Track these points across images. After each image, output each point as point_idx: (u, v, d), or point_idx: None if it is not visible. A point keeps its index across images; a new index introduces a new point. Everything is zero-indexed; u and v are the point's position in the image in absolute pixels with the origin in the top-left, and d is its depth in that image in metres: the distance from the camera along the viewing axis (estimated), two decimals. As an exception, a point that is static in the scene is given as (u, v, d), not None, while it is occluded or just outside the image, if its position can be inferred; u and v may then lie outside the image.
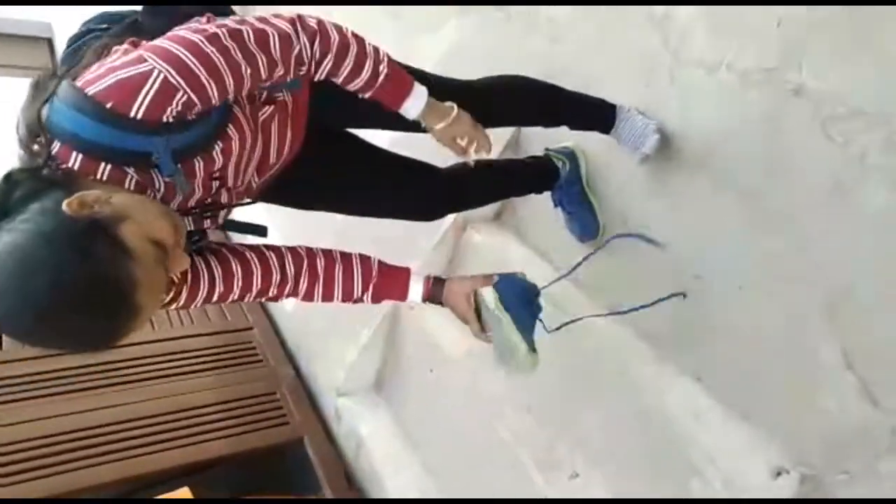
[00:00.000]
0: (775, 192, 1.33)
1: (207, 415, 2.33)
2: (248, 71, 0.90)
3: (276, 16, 0.96)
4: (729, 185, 1.42)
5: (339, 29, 1.00)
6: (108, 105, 0.80)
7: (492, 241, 2.01)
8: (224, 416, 2.34)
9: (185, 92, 0.83)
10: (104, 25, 1.07)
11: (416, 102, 1.10)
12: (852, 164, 1.20)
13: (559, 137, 1.73)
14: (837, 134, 1.22)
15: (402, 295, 1.21)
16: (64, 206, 0.75)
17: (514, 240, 1.98)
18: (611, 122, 1.57)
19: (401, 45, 2.74)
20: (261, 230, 1.14)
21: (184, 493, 2.04)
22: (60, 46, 4.94)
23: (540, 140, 1.89)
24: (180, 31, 0.88)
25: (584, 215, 1.73)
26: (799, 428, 1.31)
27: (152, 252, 0.81)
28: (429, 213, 1.48)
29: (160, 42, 0.86)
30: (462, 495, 1.87)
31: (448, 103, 1.16)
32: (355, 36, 1.02)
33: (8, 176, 0.81)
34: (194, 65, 0.84)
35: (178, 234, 0.86)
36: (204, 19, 0.95)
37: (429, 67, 1.28)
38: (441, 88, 1.18)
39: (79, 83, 0.82)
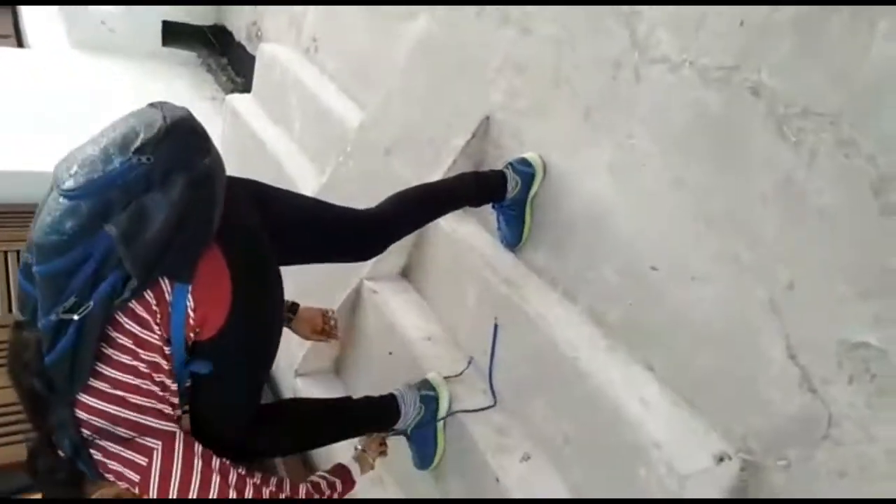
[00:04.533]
0: (728, 187, 1.37)
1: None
2: None
3: None
4: (685, 179, 1.46)
5: None
6: None
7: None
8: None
9: None
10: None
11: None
12: (803, 162, 1.25)
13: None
14: (791, 133, 1.27)
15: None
16: None
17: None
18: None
19: (374, 34, 2.75)
20: None
21: None
22: (26, 13, 4.78)
23: (510, 131, 1.92)
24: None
25: (516, 227, 1.82)
26: (742, 416, 1.36)
27: None
28: (363, 254, 1.64)
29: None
30: (417, 485, 1.88)
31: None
32: None
33: None
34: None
35: None
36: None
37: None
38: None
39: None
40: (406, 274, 2.22)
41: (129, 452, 1.07)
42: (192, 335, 1.14)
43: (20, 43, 4.68)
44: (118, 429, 1.07)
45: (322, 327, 1.72)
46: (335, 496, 1.44)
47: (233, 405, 1.28)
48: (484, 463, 1.63)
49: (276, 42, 3.61)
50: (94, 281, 1.00)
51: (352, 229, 1.50)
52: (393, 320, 2.03)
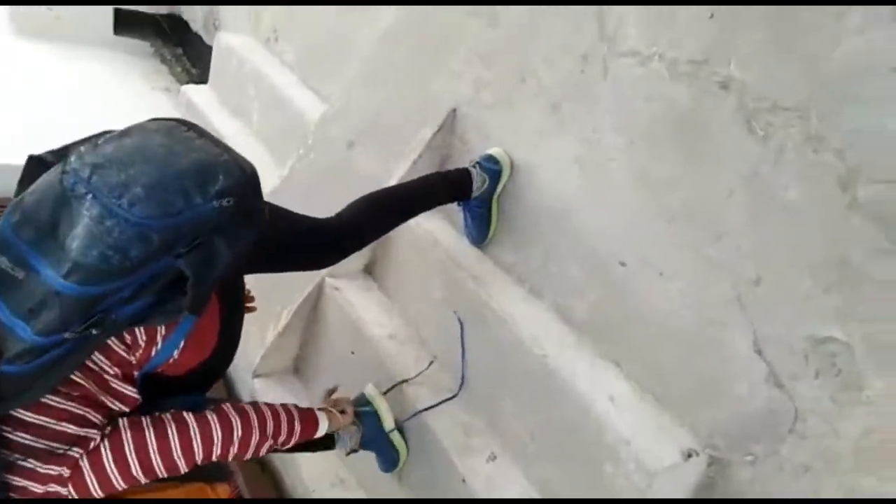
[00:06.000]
0: (695, 181, 1.37)
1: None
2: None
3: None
4: (652, 173, 1.45)
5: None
6: None
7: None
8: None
9: None
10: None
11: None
12: (771, 157, 1.24)
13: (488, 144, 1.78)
14: (760, 128, 1.26)
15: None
16: None
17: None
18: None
19: (337, 23, 2.68)
20: None
21: None
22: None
23: (475, 124, 1.88)
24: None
25: (483, 224, 1.80)
26: (709, 411, 1.36)
27: None
28: (323, 264, 1.64)
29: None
30: (381, 486, 1.83)
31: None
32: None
33: None
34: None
35: None
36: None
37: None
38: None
39: None
40: (369, 271, 2.17)
41: (49, 468, 0.97)
42: (159, 370, 1.10)
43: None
44: (40, 442, 0.96)
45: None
46: (296, 418, 1.32)
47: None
48: (450, 464, 1.59)
49: (233, 31, 3.50)
50: (126, 301, 0.95)
51: (313, 239, 1.42)
52: (355, 318, 1.97)
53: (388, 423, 1.66)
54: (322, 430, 1.40)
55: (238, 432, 1.14)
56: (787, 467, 1.24)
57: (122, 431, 1.03)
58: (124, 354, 1.04)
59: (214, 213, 0.99)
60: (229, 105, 3.17)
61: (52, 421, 0.96)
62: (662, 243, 1.43)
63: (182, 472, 1.09)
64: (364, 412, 1.64)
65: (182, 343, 1.08)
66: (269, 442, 1.23)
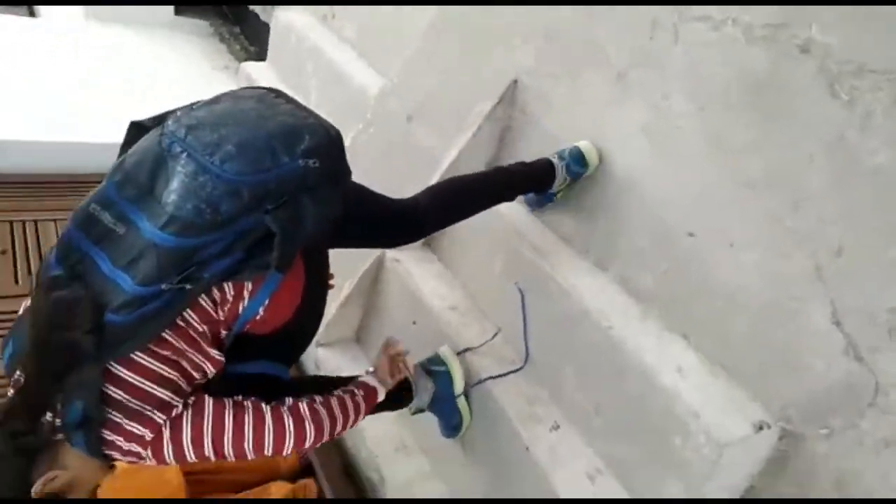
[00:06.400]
0: (774, 148, 1.32)
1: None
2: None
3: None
4: (725, 139, 1.41)
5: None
6: None
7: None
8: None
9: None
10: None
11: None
12: (857, 121, 1.19)
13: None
14: (844, 91, 1.21)
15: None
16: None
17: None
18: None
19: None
20: None
21: None
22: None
23: (537, 95, 1.86)
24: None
25: (549, 197, 1.79)
26: (782, 384, 1.33)
27: None
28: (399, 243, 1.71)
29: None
30: (444, 452, 1.87)
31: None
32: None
33: None
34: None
35: None
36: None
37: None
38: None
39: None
40: (428, 243, 2.19)
41: (134, 425, 1.01)
42: (246, 329, 1.14)
43: (32, 13, 4.62)
44: (132, 402, 1.01)
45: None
46: (362, 403, 1.34)
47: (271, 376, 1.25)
48: (514, 432, 1.61)
49: (291, 9, 3.54)
50: (218, 256, 1.00)
51: (396, 219, 1.45)
52: (416, 290, 2.00)
53: (459, 385, 1.68)
54: (381, 397, 1.41)
55: (310, 437, 1.17)
56: (868, 441, 1.21)
57: (205, 406, 1.08)
58: (212, 312, 1.08)
59: (300, 171, 1.04)
60: (288, 82, 3.22)
61: (143, 380, 1.01)
62: (734, 212, 1.40)
63: (249, 459, 1.13)
64: (437, 372, 1.67)
65: (267, 301, 1.11)
66: (338, 434, 1.27)
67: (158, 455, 1.05)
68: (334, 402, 1.26)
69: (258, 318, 1.13)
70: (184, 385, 1.06)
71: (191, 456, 1.07)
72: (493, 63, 1.97)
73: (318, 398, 1.23)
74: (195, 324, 1.05)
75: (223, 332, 1.12)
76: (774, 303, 1.33)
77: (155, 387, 1.02)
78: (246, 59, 4.12)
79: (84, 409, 0.98)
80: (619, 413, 1.52)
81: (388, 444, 2.00)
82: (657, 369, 1.43)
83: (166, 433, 1.04)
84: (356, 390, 1.35)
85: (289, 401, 1.19)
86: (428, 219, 1.49)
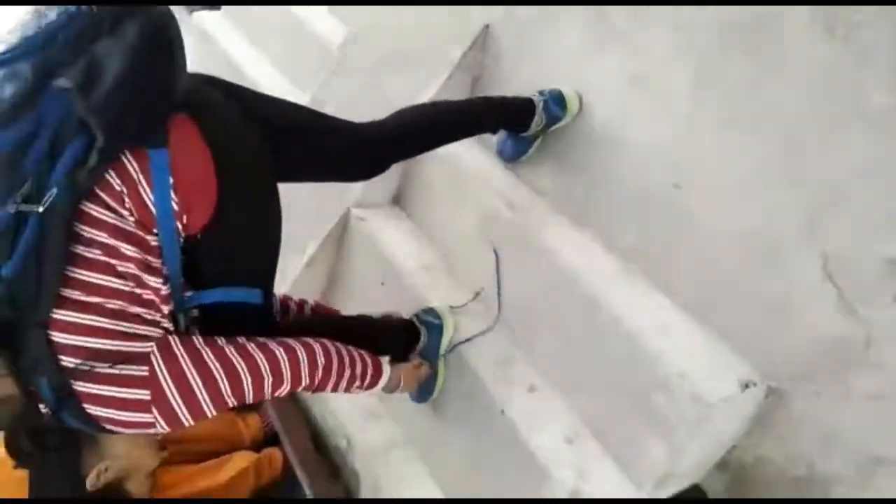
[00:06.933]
0: (767, 90, 1.25)
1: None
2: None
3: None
4: (712, 82, 1.33)
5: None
6: None
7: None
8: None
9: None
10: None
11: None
12: (852, 60, 1.12)
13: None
14: (839, 28, 1.14)
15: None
16: None
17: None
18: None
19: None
20: None
21: None
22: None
23: (511, 41, 1.75)
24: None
25: (522, 146, 1.71)
26: (771, 339, 1.28)
27: None
28: (359, 172, 1.45)
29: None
30: (415, 418, 1.80)
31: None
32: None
33: None
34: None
35: None
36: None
37: None
38: None
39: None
40: (397, 200, 2.08)
41: (124, 367, 0.91)
42: (180, 225, 0.98)
43: None
44: (97, 366, 0.91)
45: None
46: (362, 370, 1.28)
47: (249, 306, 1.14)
48: (488, 395, 1.54)
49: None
50: (51, 156, 0.86)
51: (351, 142, 1.32)
52: (385, 249, 1.90)
53: (446, 343, 1.60)
54: (384, 380, 1.35)
55: (287, 374, 1.10)
56: (856, 396, 1.17)
57: (173, 345, 0.97)
58: (115, 221, 0.92)
59: (77, 20, 0.89)
60: (246, 31, 3.03)
61: (86, 339, 0.90)
62: (723, 162, 1.33)
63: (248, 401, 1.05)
64: (431, 324, 1.59)
65: (171, 180, 0.95)
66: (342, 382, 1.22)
67: (167, 414, 0.95)
68: (341, 348, 1.22)
69: (178, 210, 0.97)
70: (141, 328, 0.95)
71: (202, 395, 0.97)
72: (464, 8, 1.85)
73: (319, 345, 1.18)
74: (103, 240, 0.91)
75: (154, 243, 0.97)
76: (763, 256, 1.28)
77: (104, 341, 0.91)
78: (197, 4, 3.83)
79: (48, 383, 0.89)
80: (601, 374, 1.46)
81: (356, 411, 1.92)
82: (641, 328, 1.37)
83: (165, 384, 0.93)
84: (368, 366, 1.29)
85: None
86: (391, 139, 1.38)
